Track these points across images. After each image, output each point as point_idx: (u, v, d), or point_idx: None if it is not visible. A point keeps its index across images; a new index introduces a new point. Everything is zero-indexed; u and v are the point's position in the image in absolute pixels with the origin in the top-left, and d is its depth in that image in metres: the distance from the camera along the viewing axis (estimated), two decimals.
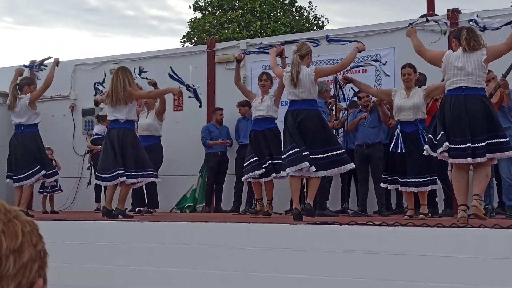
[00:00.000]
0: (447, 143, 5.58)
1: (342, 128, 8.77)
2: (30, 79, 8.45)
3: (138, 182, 7.25)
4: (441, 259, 4.81)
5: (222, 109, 10.25)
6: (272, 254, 5.51)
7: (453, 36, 6.02)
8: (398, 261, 4.97)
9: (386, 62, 8.20)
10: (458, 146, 5.56)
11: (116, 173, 6.98)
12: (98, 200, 10.64)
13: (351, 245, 5.19)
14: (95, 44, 48.52)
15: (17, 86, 8.04)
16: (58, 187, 9.93)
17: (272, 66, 7.24)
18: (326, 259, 5.25)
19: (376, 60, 8.21)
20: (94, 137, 10.75)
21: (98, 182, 7.50)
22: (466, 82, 5.63)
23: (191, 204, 10.38)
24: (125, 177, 6.99)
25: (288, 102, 6.69)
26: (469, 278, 4.70)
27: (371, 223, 5.39)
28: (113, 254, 6.33)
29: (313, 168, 6.24)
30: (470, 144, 5.49)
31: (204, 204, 10.15)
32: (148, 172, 7.21)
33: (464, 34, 5.70)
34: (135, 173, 7.07)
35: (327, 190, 8.35)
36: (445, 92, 5.89)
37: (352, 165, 6.61)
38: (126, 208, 7.85)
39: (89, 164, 10.81)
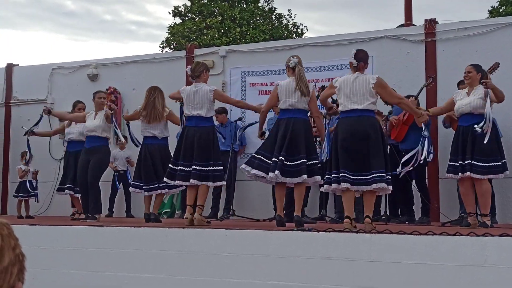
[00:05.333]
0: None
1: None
2: None
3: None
4: (417, 266, 4.85)
5: None
6: (249, 261, 5.51)
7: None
8: (374, 268, 5.00)
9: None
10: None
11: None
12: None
13: (328, 252, 5.21)
14: (72, 48, 48.24)
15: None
16: (34, 193, 9.89)
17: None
18: (303, 266, 5.26)
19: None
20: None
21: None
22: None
23: (169, 210, 10.33)
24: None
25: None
26: (444, 285, 4.75)
27: (348, 230, 5.43)
28: (89, 260, 6.27)
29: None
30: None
31: (181, 210, 10.10)
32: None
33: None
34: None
35: (305, 197, 8.33)
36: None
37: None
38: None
39: None
